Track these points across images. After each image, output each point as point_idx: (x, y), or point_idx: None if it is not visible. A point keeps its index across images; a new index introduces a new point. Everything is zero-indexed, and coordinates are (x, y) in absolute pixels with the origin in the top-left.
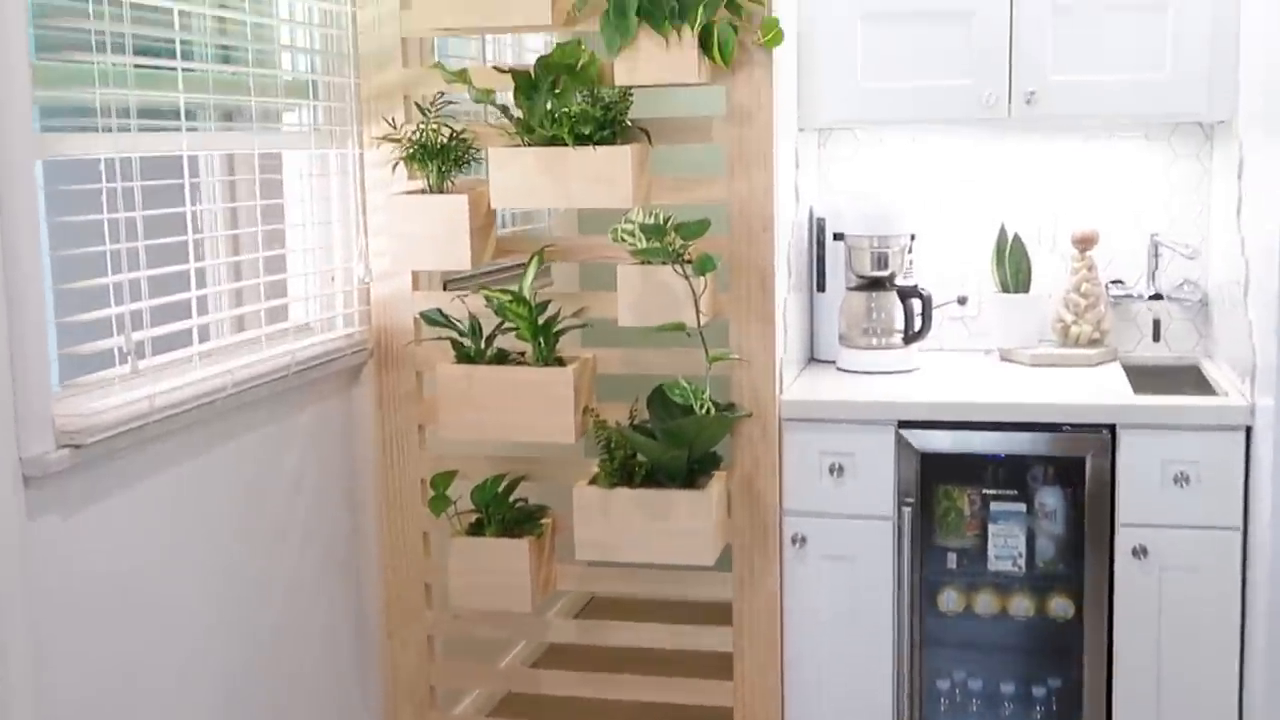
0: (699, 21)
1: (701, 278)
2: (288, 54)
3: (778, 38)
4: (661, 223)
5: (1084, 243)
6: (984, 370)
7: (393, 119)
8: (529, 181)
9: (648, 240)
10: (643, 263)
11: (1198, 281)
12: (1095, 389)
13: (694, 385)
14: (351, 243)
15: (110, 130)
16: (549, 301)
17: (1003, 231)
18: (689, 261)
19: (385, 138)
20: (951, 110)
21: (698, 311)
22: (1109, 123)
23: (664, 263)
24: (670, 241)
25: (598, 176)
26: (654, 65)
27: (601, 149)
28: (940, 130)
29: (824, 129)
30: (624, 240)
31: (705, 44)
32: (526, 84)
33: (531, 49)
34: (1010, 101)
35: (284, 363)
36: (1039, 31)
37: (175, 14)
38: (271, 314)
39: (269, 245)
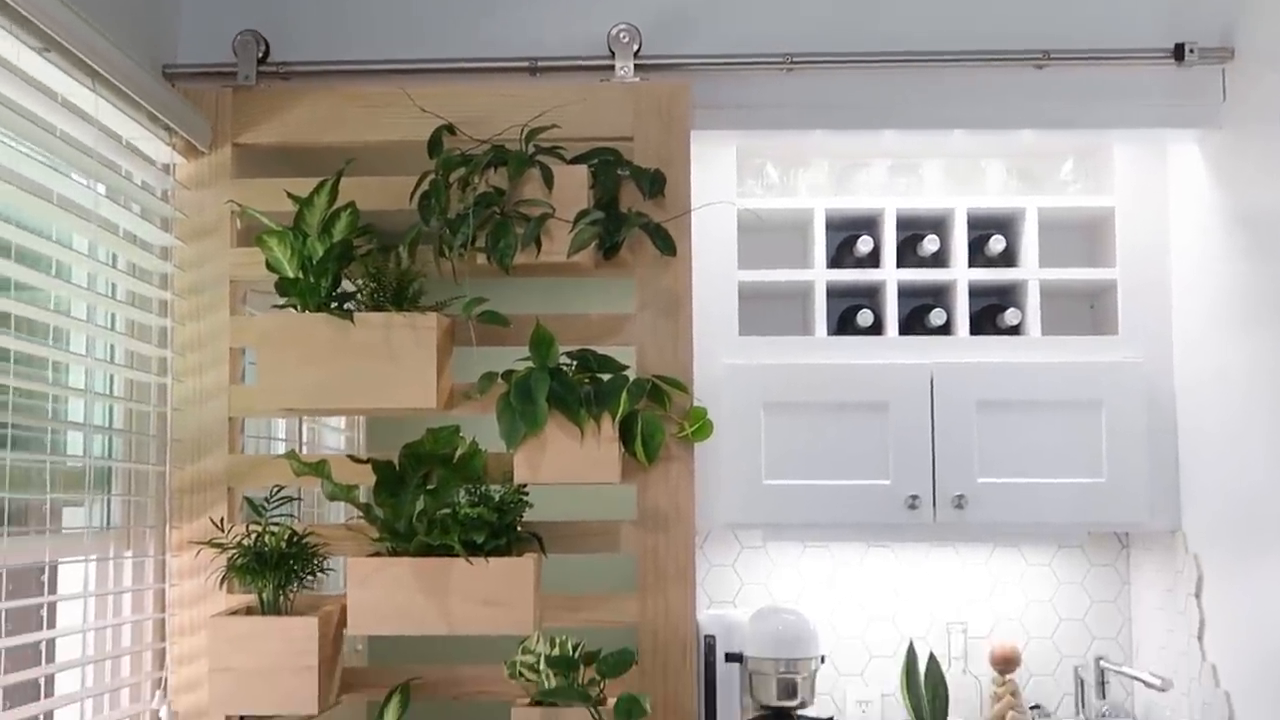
0: (622, 410)
1: None
2: (76, 433)
3: (705, 430)
4: (571, 654)
5: (1005, 663)
6: None
7: (220, 519)
8: (400, 600)
9: (555, 677)
10: (543, 703)
11: (1132, 711)
12: None
13: None
14: (144, 683)
15: None
16: None
17: (911, 651)
18: (602, 704)
19: (210, 543)
20: (870, 514)
21: None
22: (1038, 530)
23: (575, 705)
24: (581, 678)
25: (491, 596)
26: (566, 461)
27: (496, 561)
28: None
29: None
30: (522, 676)
31: (625, 437)
32: (390, 478)
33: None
34: (935, 506)
35: None
36: (964, 429)
37: None
38: None
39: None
